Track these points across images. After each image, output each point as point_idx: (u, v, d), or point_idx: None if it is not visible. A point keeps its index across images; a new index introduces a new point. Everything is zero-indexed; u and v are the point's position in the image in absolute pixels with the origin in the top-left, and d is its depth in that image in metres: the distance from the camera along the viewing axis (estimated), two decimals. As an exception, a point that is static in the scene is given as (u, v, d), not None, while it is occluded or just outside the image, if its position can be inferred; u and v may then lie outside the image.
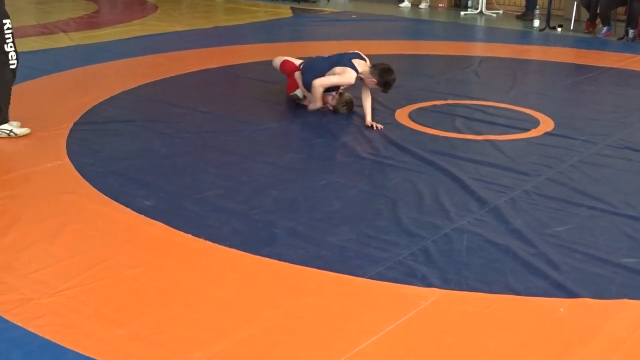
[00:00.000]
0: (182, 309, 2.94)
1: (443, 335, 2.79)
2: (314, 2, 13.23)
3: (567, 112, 6.02)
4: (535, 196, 4.14)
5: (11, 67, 4.89)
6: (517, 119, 5.73)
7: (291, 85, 6.02)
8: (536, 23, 10.54)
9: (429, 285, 3.14)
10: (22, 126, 5.05)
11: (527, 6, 11.42)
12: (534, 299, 3.06)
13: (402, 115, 5.73)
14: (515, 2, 12.34)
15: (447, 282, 3.16)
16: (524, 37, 10.06)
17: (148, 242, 3.54)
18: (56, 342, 2.68)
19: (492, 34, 10.36)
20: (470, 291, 3.10)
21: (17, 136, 4.88)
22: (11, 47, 4.85)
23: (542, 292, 3.10)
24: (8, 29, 4.81)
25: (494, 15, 11.89)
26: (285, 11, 12.01)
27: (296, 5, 12.70)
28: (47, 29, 9.39)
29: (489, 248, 3.50)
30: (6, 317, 2.83)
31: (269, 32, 10.28)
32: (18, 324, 2.79)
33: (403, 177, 4.43)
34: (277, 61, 6.30)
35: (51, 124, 5.28)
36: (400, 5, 12.81)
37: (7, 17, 4.83)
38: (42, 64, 7.05)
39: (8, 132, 4.92)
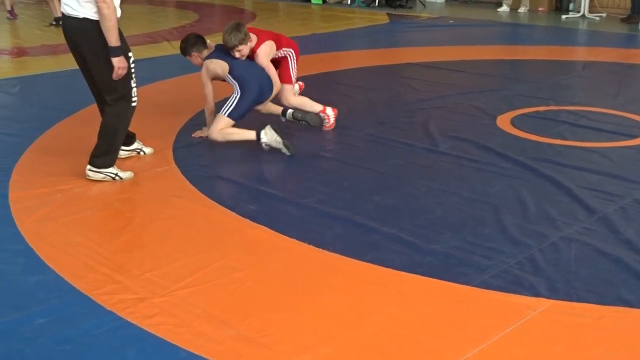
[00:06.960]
0: (288, 312, 2.98)
1: (552, 346, 2.73)
2: (411, 7, 13.18)
3: (678, 118, 5.78)
4: (646, 205, 3.99)
5: (133, 104, 4.49)
6: (624, 125, 5.54)
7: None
8: (642, 26, 10.18)
9: (537, 294, 3.07)
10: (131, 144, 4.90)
11: (632, 8, 11.02)
12: (649, 311, 2.95)
13: (504, 122, 5.62)
14: (619, 5, 11.92)
15: (556, 292, 3.09)
16: (630, 41, 9.71)
17: (253, 245, 3.61)
18: (169, 340, 2.77)
19: (596, 38, 10.06)
20: (580, 302, 3.02)
21: (122, 180, 4.45)
22: (134, 82, 4.47)
23: (657, 304, 2.99)
24: (132, 62, 4.45)
25: (597, 18, 11.53)
26: (381, 17, 12.02)
27: (392, 12, 12.68)
28: (151, 38, 9.72)
29: (599, 258, 3.40)
30: (122, 315, 2.95)
31: (366, 38, 10.31)
32: (133, 322, 2.90)
33: (506, 184, 4.35)
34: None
35: (157, 130, 5.46)
36: (499, 9, 12.59)
37: (130, 50, 4.44)
38: (146, 72, 7.27)
39: (113, 175, 4.47)
